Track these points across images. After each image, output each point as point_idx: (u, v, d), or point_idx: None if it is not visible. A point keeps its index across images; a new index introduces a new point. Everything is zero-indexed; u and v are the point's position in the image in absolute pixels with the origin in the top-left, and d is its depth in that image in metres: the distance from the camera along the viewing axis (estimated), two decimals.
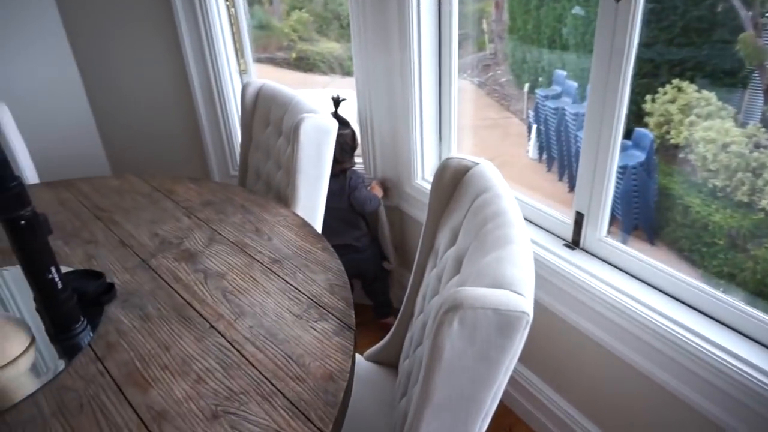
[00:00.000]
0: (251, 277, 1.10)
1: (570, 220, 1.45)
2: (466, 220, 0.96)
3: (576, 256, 1.40)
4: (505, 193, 0.92)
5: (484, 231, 0.85)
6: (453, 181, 1.06)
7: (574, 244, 1.45)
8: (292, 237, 1.24)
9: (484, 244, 0.81)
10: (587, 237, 1.42)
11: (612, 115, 1.23)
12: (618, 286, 1.28)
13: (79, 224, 1.33)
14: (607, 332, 1.31)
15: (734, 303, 1.13)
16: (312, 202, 1.45)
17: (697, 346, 1.10)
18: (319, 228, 1.50)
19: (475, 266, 0.78)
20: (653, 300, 1.23)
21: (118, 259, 1.18)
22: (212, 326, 0.97)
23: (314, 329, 0.95)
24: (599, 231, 1.38)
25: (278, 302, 1.03)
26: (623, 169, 2.36)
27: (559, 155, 4.19)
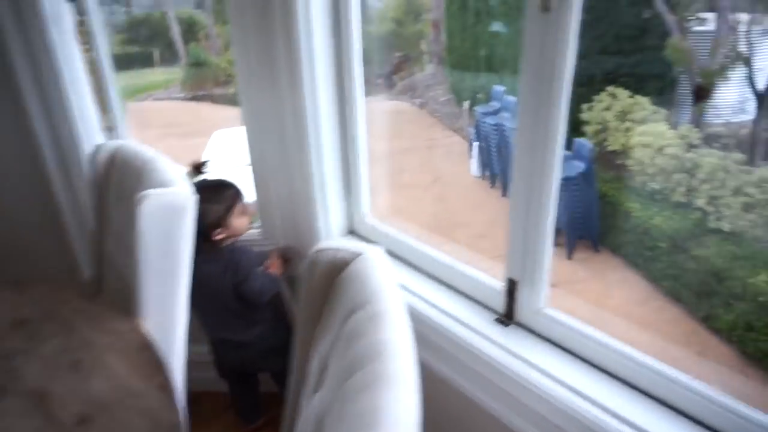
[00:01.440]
0: None
1: (501, 287, 1.17)
2: (335, 351, 0.65)
3: (508, 335, 1.12)
4: (390, 309, 0.62)
5: (348, 387, 0.54)
6: (326, 282, 0.75)
7: (507, 317, 1.17)
8: (121, 371, 0.90)
9: (344, 417, 0.50)
10: (522, 308, 1.14)
11: (544, 154, 0.98)
12: (561, 378, 1.00)
13: None
14: None
15: (708, 393, 0.88)
16: (165, 307, 1.09)
17: None
18: (179, 341, 1.14)
19: None
20: (606, 395, 0.96)
21: None
22: None
23: None
24: (537, 300, 1.11)
25: None
26: (565, 181, 2.19)
27: (502, 171, 4.08)
